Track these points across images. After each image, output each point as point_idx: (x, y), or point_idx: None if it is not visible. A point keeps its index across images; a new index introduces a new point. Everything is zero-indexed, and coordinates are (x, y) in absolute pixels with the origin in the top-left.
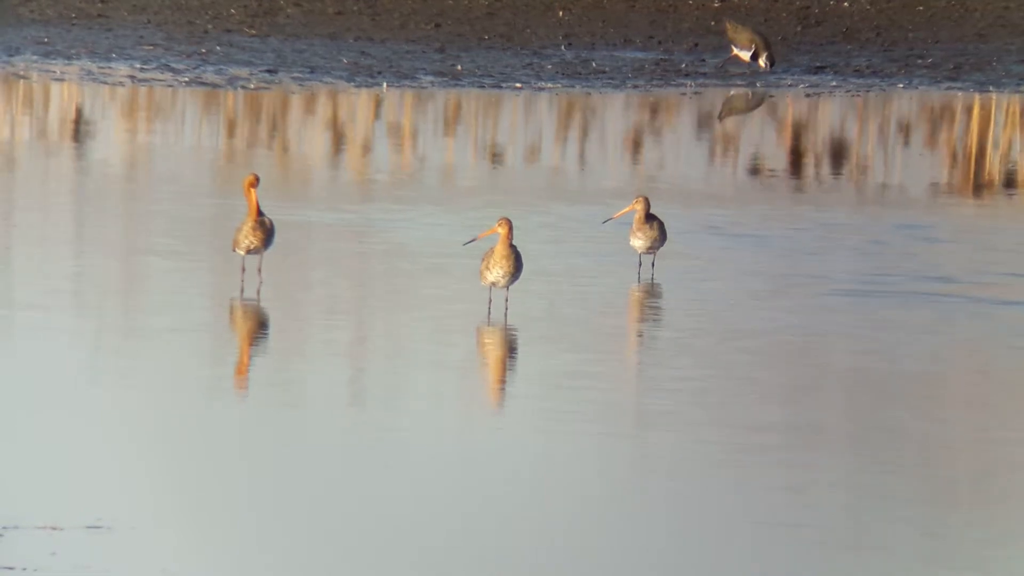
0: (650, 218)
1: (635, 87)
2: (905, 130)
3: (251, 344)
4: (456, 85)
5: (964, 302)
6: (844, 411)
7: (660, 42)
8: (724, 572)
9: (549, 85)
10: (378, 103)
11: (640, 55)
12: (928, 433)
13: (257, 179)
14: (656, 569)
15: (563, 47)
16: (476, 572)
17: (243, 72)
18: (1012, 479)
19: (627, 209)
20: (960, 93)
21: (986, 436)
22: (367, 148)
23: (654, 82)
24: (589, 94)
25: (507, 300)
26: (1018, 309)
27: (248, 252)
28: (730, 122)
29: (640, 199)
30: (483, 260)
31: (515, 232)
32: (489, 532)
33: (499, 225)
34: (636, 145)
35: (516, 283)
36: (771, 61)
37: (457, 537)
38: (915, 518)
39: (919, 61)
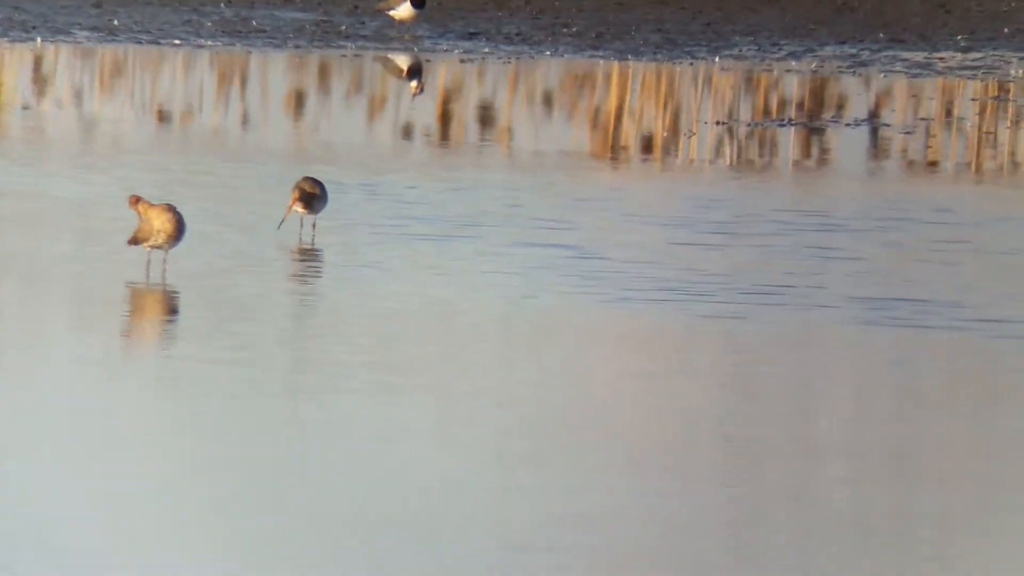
0: (313, 182)
1: (296, 47)
2: (549, 97)
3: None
4: (113, 41)
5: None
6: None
7: (320, 3)
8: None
9: (209, 43)
10: (32, 59)
11: (300, 15)
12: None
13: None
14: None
15: (222, 4)
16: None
17: None
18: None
19: (291, 206)
20: (602, 61)
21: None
22: (21, 105)
23: (315, 43)
24: (250, 53)
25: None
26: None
27: None
28: (397, 87)
29: (296, 190)
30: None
31: (173, 193)
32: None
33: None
34: (299, 106)
35: None
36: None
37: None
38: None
39: (564, 29)
